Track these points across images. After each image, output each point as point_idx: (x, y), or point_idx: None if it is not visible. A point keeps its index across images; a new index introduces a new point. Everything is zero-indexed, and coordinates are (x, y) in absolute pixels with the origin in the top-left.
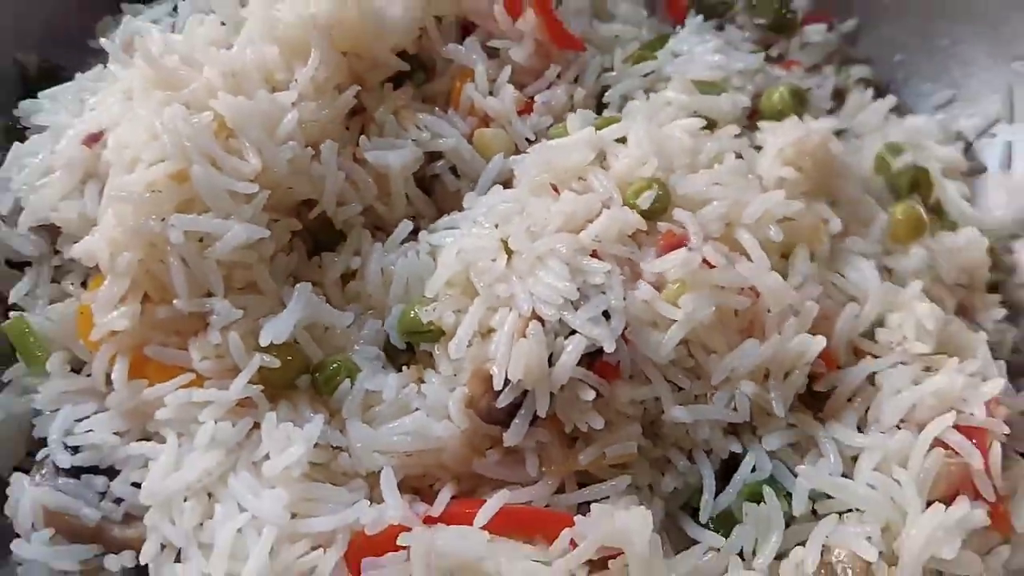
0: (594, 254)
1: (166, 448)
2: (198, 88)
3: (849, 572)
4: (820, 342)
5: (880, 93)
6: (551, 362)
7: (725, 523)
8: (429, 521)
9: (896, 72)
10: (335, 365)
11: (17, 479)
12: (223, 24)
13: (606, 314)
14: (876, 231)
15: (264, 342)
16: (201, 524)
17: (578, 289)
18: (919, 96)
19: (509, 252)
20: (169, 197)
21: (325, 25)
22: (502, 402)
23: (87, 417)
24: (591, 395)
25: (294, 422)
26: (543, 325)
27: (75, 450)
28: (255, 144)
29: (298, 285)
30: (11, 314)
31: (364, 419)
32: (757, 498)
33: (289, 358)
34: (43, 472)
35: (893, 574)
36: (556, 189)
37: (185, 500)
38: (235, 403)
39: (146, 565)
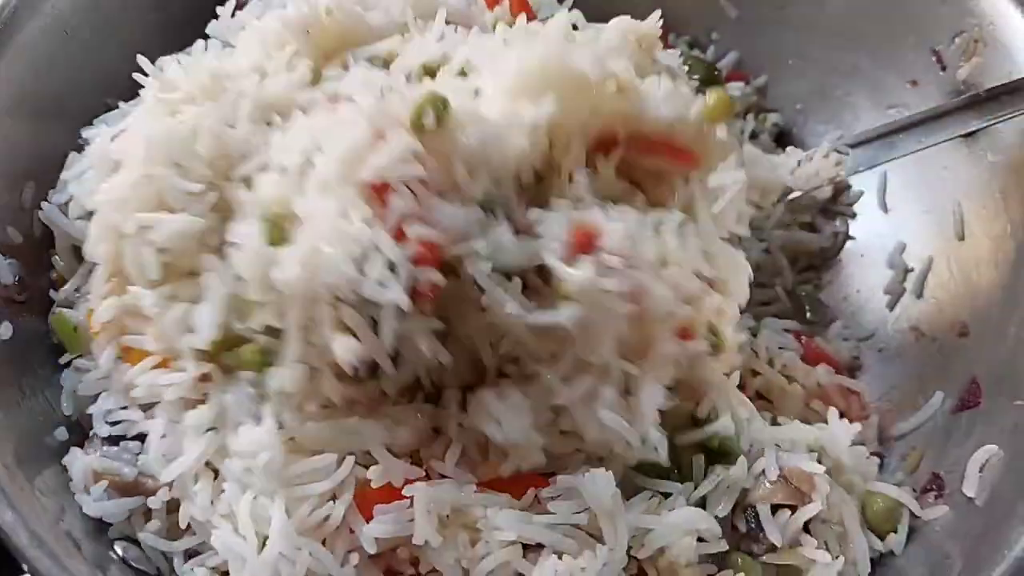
0: (382, 187)
1: (152, 430)
2: (184, 94)
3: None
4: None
5: (785, 133)
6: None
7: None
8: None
9: (798, 117)
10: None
11: (72, 452)
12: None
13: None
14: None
15: (200, 342)
16: (218, 496)
17: (358, 256)
18: (816, 136)
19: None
20: (141, 196)
21: (301, 24)
22: (362, 372)
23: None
24: (426, 342)
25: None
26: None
27: (114, 424)
28: (211, 132)
29: (207, 274)
30: (55, 309)
31: None
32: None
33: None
34: (92, 444)
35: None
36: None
37: (196, 480)
38: (195, 380)
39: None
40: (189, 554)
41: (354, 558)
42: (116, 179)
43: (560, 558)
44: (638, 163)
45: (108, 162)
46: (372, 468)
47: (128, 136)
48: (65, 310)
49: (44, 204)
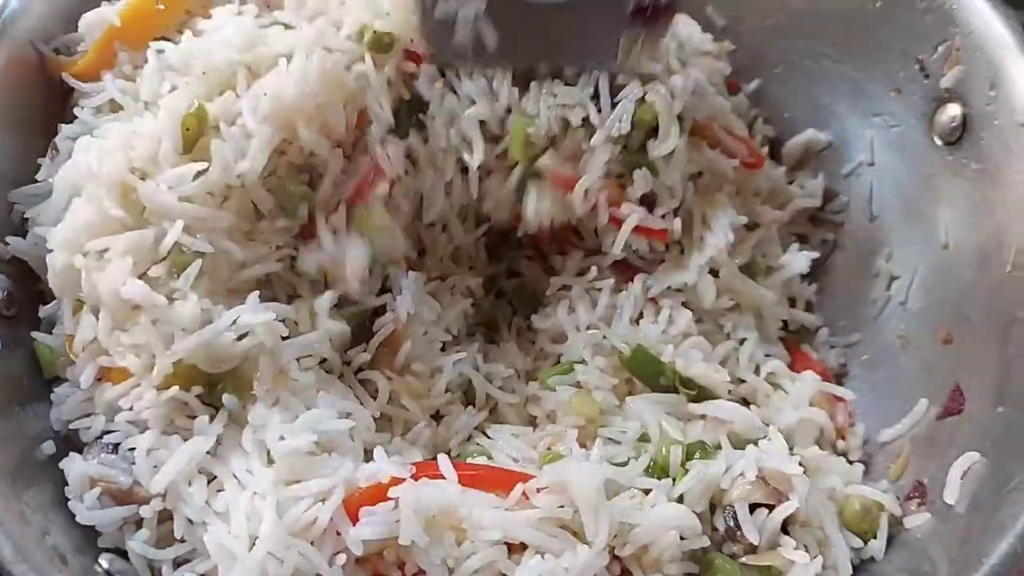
0: None
1: (139, 445)
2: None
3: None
4: None
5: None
6: None
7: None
8: (414, 477)
9: (786, 126)
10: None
11: (71, 457)
12: None
13: None
14: None
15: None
16: (211, 498)
17: None
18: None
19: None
20: (92, 228)
21: None
22: None
23: None
24: None
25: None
26: None
27: (105, 433)
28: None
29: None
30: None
31: None
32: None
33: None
34: (92, 451)
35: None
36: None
37: (190, 484)
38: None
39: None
40: (177, 563)
41: (341, 559)
42: (68, 215)
43: (543, 557)
44: None
45: (65, 188)
46: (362, 467)
47: (71, 164)
48: (41, 335)
49: (10, 238)
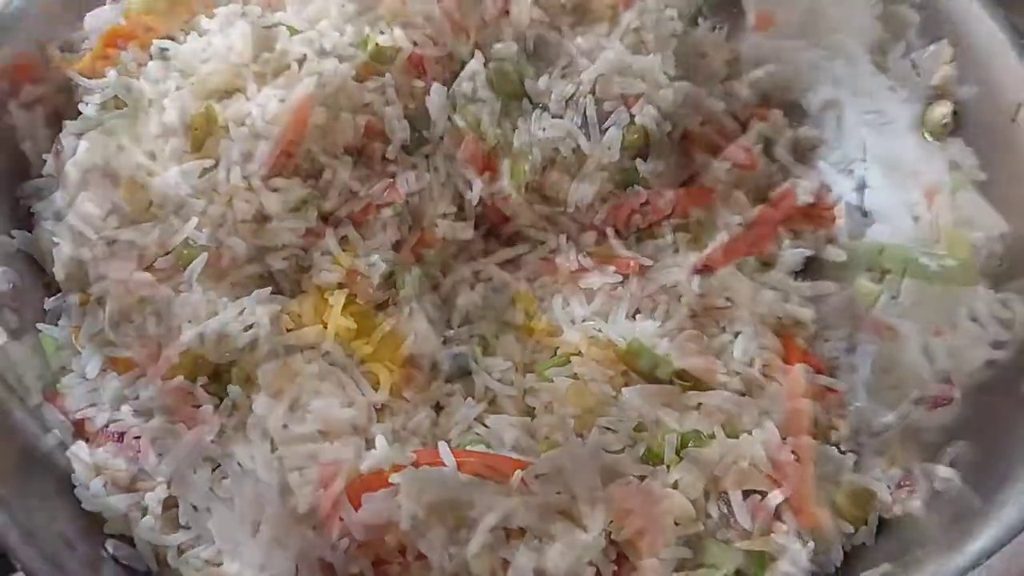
0: None
1: (144, 435)
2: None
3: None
4: None
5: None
6: None
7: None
8: (414, 464)
9: (779, 122)
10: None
11: (78, 445)
12: None
13: None
14: None
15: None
16: (216, 485)
17: None
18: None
19: None
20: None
21: None
22: None
23: None
24: None
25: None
26: None
27: (112, 423)
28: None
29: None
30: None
31: None
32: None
33: None
34: (98, 440)
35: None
36: None
37: (195, 471)
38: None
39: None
40: (182, 549)
41: (343, 544)
42: (74, 209)
43: (541, 542)
44: None
45: (71, 182)
46: (363, 454)
47: (77, 159)
48: (47, 327)
49: (15, 232)
